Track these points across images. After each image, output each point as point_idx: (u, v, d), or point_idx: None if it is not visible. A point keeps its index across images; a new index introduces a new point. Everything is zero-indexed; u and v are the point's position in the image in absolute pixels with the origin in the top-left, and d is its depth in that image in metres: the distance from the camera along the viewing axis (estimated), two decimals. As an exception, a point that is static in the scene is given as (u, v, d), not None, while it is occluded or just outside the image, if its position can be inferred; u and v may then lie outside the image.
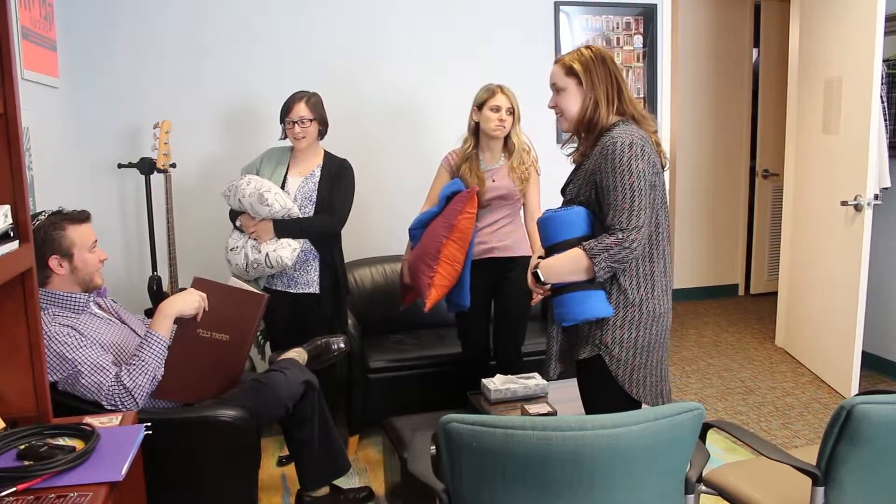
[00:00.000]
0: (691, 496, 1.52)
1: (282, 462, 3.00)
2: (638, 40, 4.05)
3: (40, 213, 2.08)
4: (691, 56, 5.29)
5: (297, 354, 2.45)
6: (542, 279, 1.92)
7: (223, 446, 2.05)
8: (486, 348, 3.01)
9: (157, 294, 3.05)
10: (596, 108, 1.93)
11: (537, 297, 2.65)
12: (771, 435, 3.22)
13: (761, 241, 5.57)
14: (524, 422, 1.31)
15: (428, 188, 3.02)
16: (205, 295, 2.19)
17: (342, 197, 2.90)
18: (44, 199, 2.56)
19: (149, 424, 1.62)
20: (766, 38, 5.28)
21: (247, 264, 2.81)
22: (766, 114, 5.39)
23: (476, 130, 2.88)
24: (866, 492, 1.58)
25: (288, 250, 2.79)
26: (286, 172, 2.92)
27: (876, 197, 3.41)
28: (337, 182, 2.90)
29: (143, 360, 2.02)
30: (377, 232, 3.67)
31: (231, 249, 2.87)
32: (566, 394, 2.53)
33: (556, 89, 1.99)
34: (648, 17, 4.04)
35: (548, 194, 2.82)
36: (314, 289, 2.93)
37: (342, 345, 2.57)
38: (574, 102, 1.96)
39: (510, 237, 2.89)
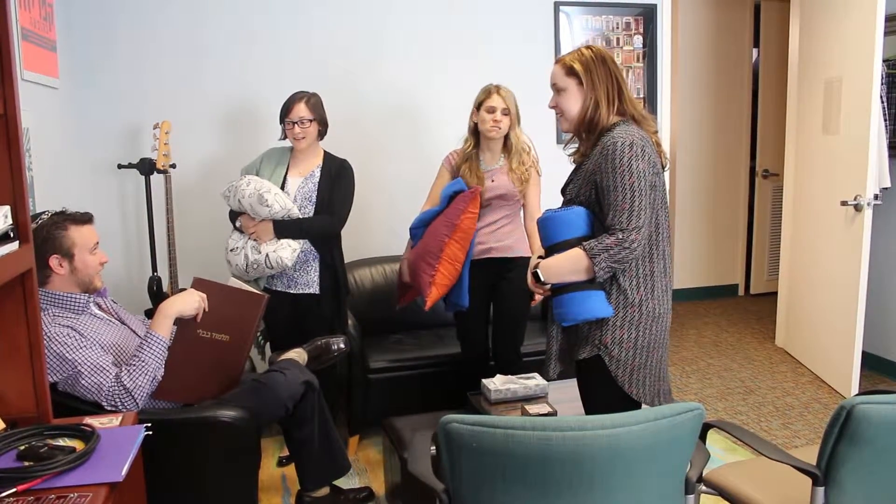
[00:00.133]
0: (691, 496, 1.52)
1: (282, 462, 3.00)
2: (638, 40, 4.05)
3: (43, 212, 2.08)
4: (691, 56, 5.29)
5: (297, 355, 2.45)
6: (542, 279, 1.92)
7: (223, 447, 2.05)
8: (485, 349, 3.01)
9: (157, 294, 3.05)
10: (596, 108, 1.93)
11: (538, 298, 2.66)
12: (771, 435, 3.22)
13: (761, 241, 5.57)
14: (524, 422, 1.31)
15: (428, 188, 3.02)
16: (205, 295, 2.19)
17: (342, 197, 2.90)
18: (44, 199, 2.56)
19: (149, 425, 1.62)
20: (766, 38, 5.28)
21: (247, 265, 2.81)
22: (766, 114, 5.39)
23: (476, 131, 2.88)
24: (866, 492, 1.58)
25: (288, 251, 2.79)
26: (286, 173, 2.91)
27: (876, 197, 3.41)
28: (337, 182, 2.90)
29: (143, 361, 2.02)
30: (377, 232, 3.67)
31: (231, 250, 2.87)
32: (566, 394, 2.53)
33: (557, 89, 1.99)
34: (648, 17, 4.04)
35: (548, 194, 2.82)
36: (314, 289, 2.93)
37: (342, 345, 2.57)
38: (574, 103, 1.96)
39: (509, 237, 2.89)
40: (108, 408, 1.96)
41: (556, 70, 1.99)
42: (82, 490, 1.32)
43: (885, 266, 3.81)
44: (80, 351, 1.97)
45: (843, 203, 3.47)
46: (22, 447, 1.42)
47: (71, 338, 1.97)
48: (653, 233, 1.89)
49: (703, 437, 1.69)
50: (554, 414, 2.41)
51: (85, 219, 2.11)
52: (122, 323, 2.25)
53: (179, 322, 2.15)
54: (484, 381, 2.68)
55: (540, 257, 1.98)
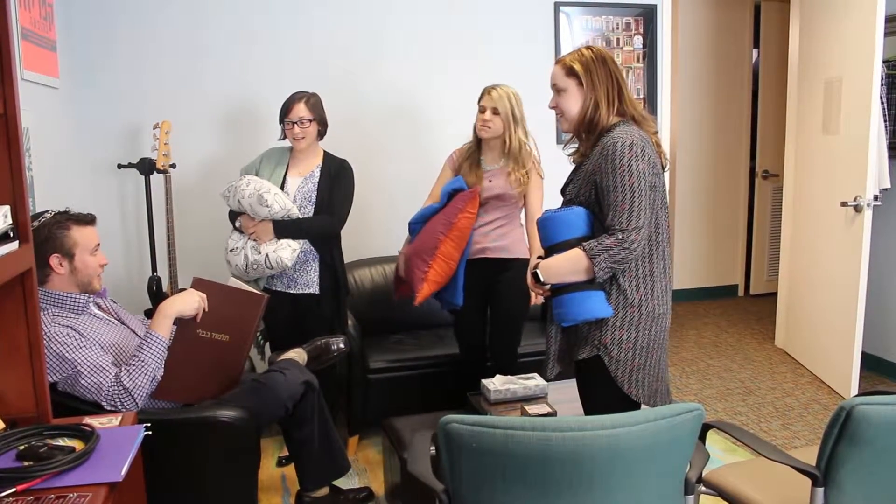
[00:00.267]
0: (691, 497, 1.52)
1: (281, 462, 3.00)
2: (638, 41, 4.05)
3: (46, 211, 2.08)
4: (691, 56, 5.29)
5: (297, 355, 2.45)
6: (542, 279, 1.92)
7: (223, 447, 2.05)
8: (482, 349, 3.00)
9: (157, 294, 3.05)
10: (596, 108, 1.93)
11: (537, 300, 2.66)
12: (770, 436, 3.22)
13: (761, 241, 5.57)
14: (524, 422, 1.31)
15: (428, 188, 3.02)
16: (204, 295, 2.19)
17: (342, 197, 2.90)
18: (43, 199, 2.56)
19: (148, 425, 1.62)
20: (766, 38, 5.28)
21: (246, 265, 2.81)
22: (766, 114, 5.39)
23: None
24: (866, 492, 1.58)
25: (288, 251, 2.79)
26: (285, 173, 2.91)
27: (875, 198, 3.41)
28: (336, 182, 2.90)
29: (142, 361, 2.02)
30: (377, 232, 3.67)
31: (231, 250, 2.87)
32: (566, 394, 2.53)
33: (557, 90, 1.99)
34: (648, 17, 4.04)
35: (548, 194, 2.82)
36: (314, 289, 2.93)
37: (342, 345, 2.57)
38: (574, 103, 1.96)
39: (504, 239, 2.87)
40: (108, 408, 1.96)
41: (556, 70, 1.99)
42: (82, 490, 1.32)
43: (884, 267, 3.81)
44: (80, 351, 1.97)
45: (843, 204, 3.47)
46: (21, 447, 1.42)
47: (70, 337, 1.97)
48: (652, 233, 1.89)
49: (702, 438, 1.69)
50: (553, 414, 2.41)
51: (88, 220, 2.11)
52: (122, 323, 2.25)
53: (179, 322, 2.15)
54: (483, 381, 2.68)
55: (540, 257, 1.98)
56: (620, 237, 1.80)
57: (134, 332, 2.24)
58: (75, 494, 1.30)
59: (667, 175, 2.37)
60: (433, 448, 1.83)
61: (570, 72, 1.95)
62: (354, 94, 3.60)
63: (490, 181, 2.84)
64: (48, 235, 2.01)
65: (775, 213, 5.33)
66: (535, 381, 2.66)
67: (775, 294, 4.52)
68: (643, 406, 1.92)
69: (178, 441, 2.00)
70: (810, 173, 4.02)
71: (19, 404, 1.56)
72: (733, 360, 4.25)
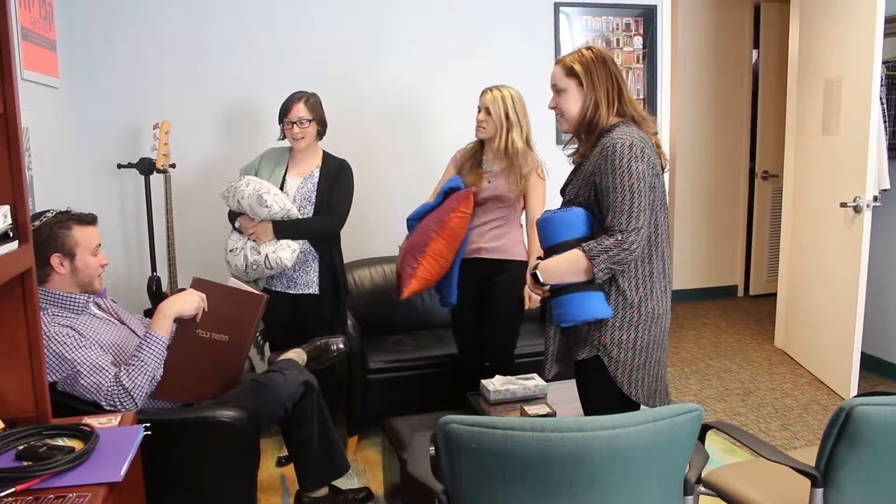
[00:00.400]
0: (690, 497, 1.52)
1: (281, 462, 3.00)
2: (638, 41, 4.05)
3: (48, 210, 2.08)
4: (691, 57, 5.29)
5: (297, 355, 2.45)
6: (541, 280, 1.92)
7: (222, 447, 2.05)
8: (480, 349, 2.99)
9: (157, 294, 3.05)
10: (596, 108, 1.93)
11: (531, 304, 2.68)
12: (770, 436, 3.22)
13: (761, 242, 5.57)
14: (523, 423, 1.31)
15: (427, 188, 3.03)
16: (204, 295, 2.19)
17: (341, 197, 2.90)
18: (43, 199, 2.56)
19: (148, 425, 1.62)
20: (766, 39, 5.28)
21: (246, 266, 2.81)
22: (766, 115, 5.39)
23: None
24: (865, 493, 1.58)
25: (287, 251, 2.79)
26: (285, 173, 2.91)
27: (875, 199, 3.41)
28: (336, 182, 2.90)
29: (142, 361, 2.02)
30: (377, 232, 3.67)
31: (230, 251, 2.86)
32: (565, 395, 2.53)
33: (557, 90, 1.99)
34: (648, 18, 4.04)
35: (547, 195, 2.82)
36: (314, 289, 2.93)
37: (341, 345, 2.57)
38: (574, 103, 1.96)
39: (500, 240, 2.86)
40: (108, 407, 1.96)
41: (557, 71, 1.99)
42: (81, 490, 1.31)
43: (884, 268, 3.81)
44: (80, 351, 1.97)
45: (843, 204, 3.47)
46: (21, 447, 1.42)
47: (70, 337, 1.97)
48: (652, 234, 1.89)
49: (702, 438, 1.69)
50: (553, 415, 2.41)
51: (89, 220, 2.11)
52: (122, 323, 2.25)
53: (179, 322, 2.15)
54: (483, 381, 2.68)
55: (539, 258, 1.98)
56: (620, 238, 1.80)
57: (134, 331, 2.24)
58: (74, 494, 1.30)
59: (667, 175, 2.37)
60: (433, 448, 1.83)
61: (571, 72, 1.95)
62: (354, 94, 3.60)
63: (489, 182, 2.84)
64: (50, 235, 2.01)
65: (775, 213, 5.34)
66: (534, 382, 2.66)
67: (775, 294, 4.52)
68: (642, 406, 1.92)
69: (178, 441, 2.00)
70: (810, 174, 4.02)
71: (19, 404, 1.56)
72: (733, 360, 4.25)
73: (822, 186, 3.84)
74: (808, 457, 1.65)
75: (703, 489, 1.91)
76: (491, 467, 1.35)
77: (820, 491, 1.58)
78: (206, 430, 2.02)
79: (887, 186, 3.58)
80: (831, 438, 1.55)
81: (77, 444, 1.46)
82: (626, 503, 1.38)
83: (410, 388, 3.11)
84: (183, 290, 2.24)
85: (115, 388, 1.97)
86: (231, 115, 3.49)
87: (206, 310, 2.19)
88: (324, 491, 2.44)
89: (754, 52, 5.46)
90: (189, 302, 2.15)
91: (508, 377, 2.69)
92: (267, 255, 2.78)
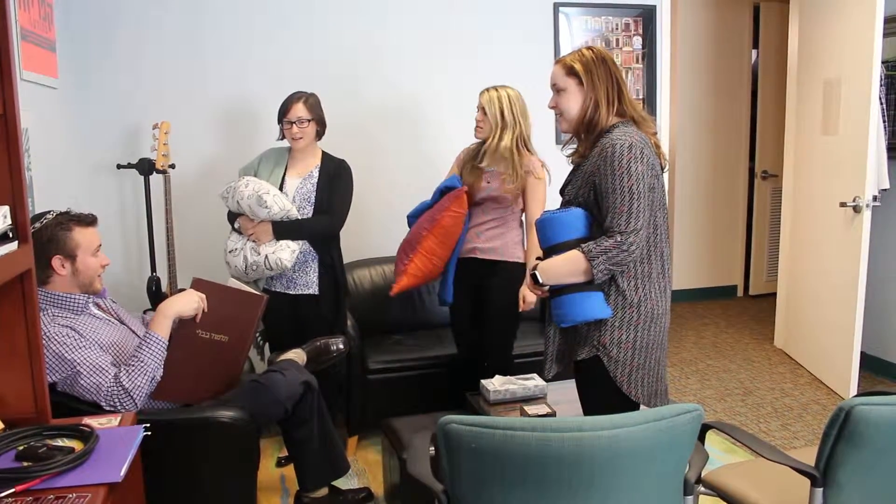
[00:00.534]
0: (690, 497, 1.52)
1: (281, 463, 3.00)
2: (637, 41, 4.05)
3: (48, 212, 2.08)
4: (690, 57, 5.29)
5: (296, 355, 2.45)
6: (541, 281, 1.92)
7: (222, 447, 2.05)
8: (478, 348, 2.98)
9: (157, 295, 3.05)
10: (596, 108, 1.93)
11: (525, 306, 2.70)
12: (770, 436, 3.22)
13: (760, 242, 5.57)
14: (523, 423, 1.31)
15: (427, 188, 3.03)
16: (204, 296, 2.19)
17: (341, 197, 2.90)
18: (43, 199, 2.55)
19: (148, 425, 1.62)
20: (766, 39, 5.28)
21: (246, 266, 2.81)
22: (766, 115, 5.40)
23: None
24: (865, 493, 1.58)
25: (287, 252, 2.79)
26: (284, 173, 2.91)
27: (875, 198, 3.41)
28: (335, 182, 2.90)
29: (142, 361, 2.02)
30: (376, 233, 3.67)
31: (230, 251, 2.86)
32: (565, 395, 2.53)
33: (557, 89, 1.99)
34: (648, 18, 4.04)
35: (547, 195, 2.82)
36: (313, 290, 2.93)
37: (341, 346, 2.57)
38: (574, 103, 1.96)
39: (496, 241, 2.85)
40: (107, 408, 1.96)
41: (557, 70, 1.99)
42: (81, 490, 1.32)
43: (883, 268, 3.81)
44: (79, 351, 1.97)
45: (842, 204, 3.47)
46: (21, 447, 1.42)
47: (70, 338, 1.97)
48: (651, 234, 1.89)
49: (701, 438, 1.69)
50: (553, 415, 2.41)
51: (89, 220, 2.11)
52: (122, 323, 2.25)
53: (179, 322, 2.15)
54: (483, 381, 2.68)
55: (539, 258, 1.98)
56: (619, 239, 1.80)
57: (134, 332, 2.24)
58: (74, 495, 1.30)
59: (666, 175, 2.37)
60: (432, 448, 1.83)
61: (571, 71, 1.95)
62: (354, 94, 3.60)
63: (488, 182, 2.83)
64: (50, 237, 2.00)
65: (774, 213, 5.34)
66: (534, 382, 2.66)
67: (774, 294, 4.53)
68: (642, 406, 1.92)
69: (178, 441, 2.00)
70: (809, 174, 4.02)
71: (18, 405, 1.56)
72: (732, 360, 4.25)
73: (821, 186, 3.85)
74: (808, 456, 1.65)
75: (702, 489, 1.91)
76: (491, 467, 1.35)
77: (819, 490, 1.59)
78: (206, 430, 2.02)
79: (887, 186, 3.58)
80: (831, 438, 1.55)
81: (77, 445, 1.46)
82: (625, 503, 1.38)
83: (410, 388, 3.11)
84: (183, 290, 2.25)
85: (115, 388, 1.97)
86: (231, 116, 3.49)
87: (206, 310, 2.19)
88: (324, 491, 2.44)
89: (754, 52, 5.47)
90: (189, 302, 2.15)
91: (508, 377, 2.69)
92: (267, 256, 2.78)
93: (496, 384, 2.64)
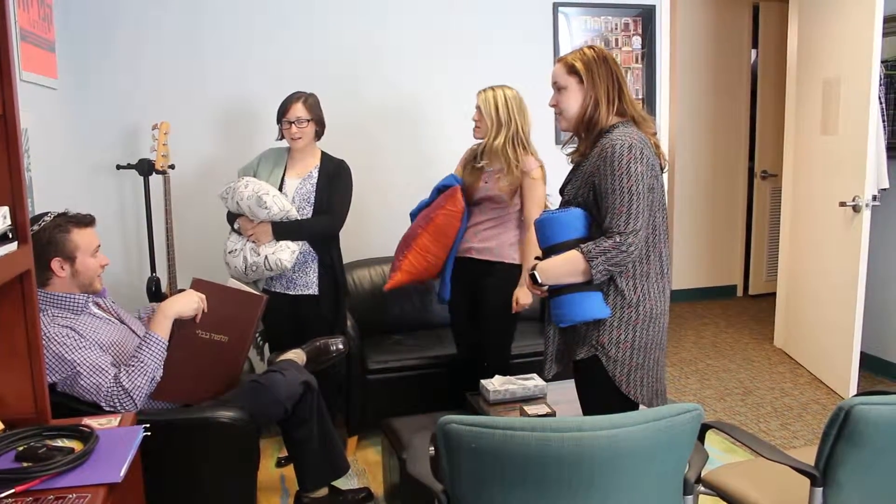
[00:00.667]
0: (690, 497, 1.52)
1: (280, 463, 3.00)
2: (637, 41, 4.05)
3: (46, 213, 2.08)
4: (690, 57, 5.29)
5: (296, 355, 2.45)
6: (540, 281, 1.92)
7: (222, 447, 2.05)
8: (478, 347, 2.98)
9: (156, 295, 3.05)
10: (596, 107, 1.93)
11: (518, 308, 2.72)
12: (769, 436, 3.22)
13: (760, 242, 5.57)
14: (523, 423, 1.31)
15: (426, 188, 3.03)
16: (204, 296, 2.20)
17: (340, 197, 2.90)
18: (43, 200, 2.55)
19: (147, 425, 1.62)
20: (765, 38, 5.28)
21: (246, 267, 2.81)
22: (765, 115, 5.40)
23: None
24: (865, 492, 1.58)
25: (287, 252, 2.79)
26: (283, 174, 2.91)
27: (874, 198, 3.41)
28: (335, 183, 2.90)
29: (141, 362, 2.02)
30: (376, 233, 3.67)
31: (230, 252, 2.86)
32: (565, 395, 2.54)
33: (558, 88, 2.00)
34: (647, 18, 4.04)
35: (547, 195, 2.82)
36: (313, 290, 2.93)
37: (341, 346, 2.57)
38: (575, 101, 1.96)
39: (492, 241, 2.84)
40: (107, 408, 1.96)
41: (558, 68, 1.99)
42: (81, 491, 1.32)
43: (883, 267, 3.81)
44: (79, 351, 1.97)
45: (842, 204, 3.47)
46: (20, 448, 1.42)
47: (70, 338, 1.97)
48: (650, 234, 1.89)
49: (701, 438, 1.69)
50: (553, 415, 2.41)
51: (87, 221, 2.11)
52: (122, 322, 2.25)
53: (178, 323, 2.15)
54: (483, 381, 2.68)
55: (538, 258, 1.98)
56: (618, 240, 1.80)
57: (134, 332, 2.24)
58: (74, 495, 1.30)
59: (666, 175, 2.37)
60: (432, 448, 1.83)
61: (572, 70, 1.95)
62: (353, 94, 3.60)
63: (485, 182, 2.83)
64: (49, 239, 2.00)
65: (774, 213, 5.34)
66: (533, 382, 2.66)
67: (774, 294, 4.53)
68: (641, 406, 1.92)
69: (178, 441, 2.00)
70: (809, 173, 4.02)
71: (18, 405, 1.56)
72: (732, 360, 4.25)
73: (821, 186, 3.85)
74: (808, 456, 1.65)
75: (702, 489, 1.91)
76: (491, 467, 1.35)
77: (819, 490, 1.59)
78: (206, 430, 2.02)
79: (886, 186, 3.58)
80: (830, 438, 1.55)
81: (77, 445, 1.46)
82: (625, 503, 1.38)
83: (410, 388, 3.11)
84: (182, 290, 2.25)
85: (115, 388, 1.97)
86: (230, 116, 3.49)
87: (206, 310, 2.19)
88: (324, 491, 2.44)
89: (753, 51, 5.47)
90: (189, 302, 2.16)
91: (508, 377, 2.69)
92: (266, 257, 2.77)
93: (496, 384, 2.64)
